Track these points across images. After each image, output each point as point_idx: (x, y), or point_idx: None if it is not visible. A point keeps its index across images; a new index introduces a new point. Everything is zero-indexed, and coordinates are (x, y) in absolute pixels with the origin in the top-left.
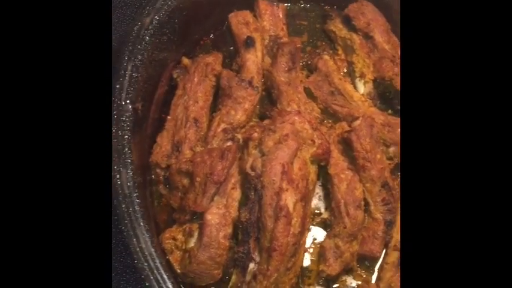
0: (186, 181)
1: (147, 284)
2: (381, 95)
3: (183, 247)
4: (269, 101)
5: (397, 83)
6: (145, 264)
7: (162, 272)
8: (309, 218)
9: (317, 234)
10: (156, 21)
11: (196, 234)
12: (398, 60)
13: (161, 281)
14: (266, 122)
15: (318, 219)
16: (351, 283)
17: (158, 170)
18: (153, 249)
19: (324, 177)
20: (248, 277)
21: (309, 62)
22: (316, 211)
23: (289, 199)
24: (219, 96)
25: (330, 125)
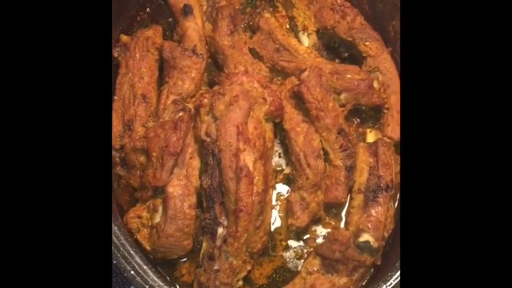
0: (142, 158)
1: (114, 261)
2: (327, 45)
3: (150, 224)
4: (216, 67)
5: (340, 31)
6: None
7: (129, 248)
8: (271, 176)
9: (282, 190)
10: None
11: (160, 208)
12: (338, 7)
13: (129, 257)
14: (216, 87)
15: (280, 176)
16: (321, 232)
17: (113, 152)
18: (116, 227)
19: (282, 134)
20: (219, 242)
21: (251, 23)
22: (278, 168)
23: (248, 158)
24: (164, 69)
25: (280, 82)
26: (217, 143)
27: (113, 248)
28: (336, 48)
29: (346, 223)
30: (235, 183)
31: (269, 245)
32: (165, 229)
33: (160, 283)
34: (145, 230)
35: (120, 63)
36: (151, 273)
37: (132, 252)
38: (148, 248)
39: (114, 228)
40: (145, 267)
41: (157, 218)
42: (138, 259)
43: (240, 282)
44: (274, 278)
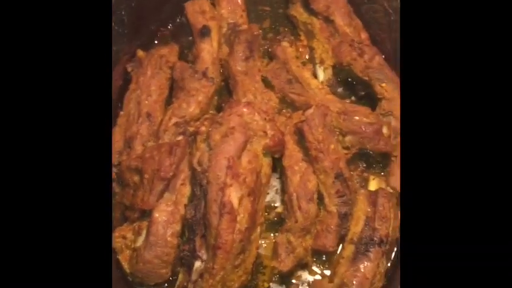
0: (136, 178)
1: None
2: (344, 81)
3: (132, 246)
4: (228, 92)
5: (356, 68)
6: None
7: None
8: (261, 213)
9: (272, 229)
10: None
11: (144, 232)
12: (357, 45)
13: None
14: (220, 114)
15: (273, 213)
16: (306, 278)
17: None
18: None
19: (281, 169)
20: (194, 276)
21: (270, 50)
22: (272, 204)
23: (234, 194)
24: (173, 89)
25: (289, 114)
26: (207, 174)
27: None
28: (354, 85)
29: (332, 273)
30: (218, 218)
31: (251, 284)
32: (143, 254)
33: None
34: (128, 251)
35: (132, 79)
36: None
37: None
38: (127, 270)
39: None
40: None
41: (140, 242)
42: None
43: None
44: None
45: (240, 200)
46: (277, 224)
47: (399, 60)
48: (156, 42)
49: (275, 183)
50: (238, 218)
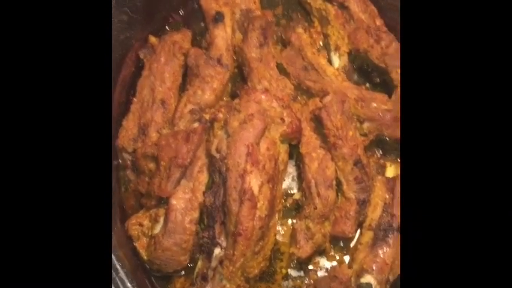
0: (152, 165)
1: None
2: (359, 68)
3: (150, 233)
4: (242, 78)
5: (372, 55)
6: None
7: (115, 262)
8: (279, 200)
9: (290, 215)
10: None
11: (162, 219)
12: (374, 31)
13: (113, 272)
14: (235, 101)
15: (290, 201)
16: (324, 264)
17: (125, 155)
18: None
19: (298, 156)
20: (214, 263)
21: (283, 36)
22: (289, 191)
23: (254, 181)
24: (187, 76)
25: (304, 101)
26: (226, 161)
27: None
28: (369, 72)
29: (351, 259)
30: (238, 205)
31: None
32: (162, 241)
33: None
34: (145, 238)
35: (145, 65)
36: None
37: (118, 266)
38: (145, 257)
39: (126, 282)
40: (128, 284)
41: (157, 229)
42: (122, 275)
43: None
44: None
45: (260, 186)
46: (294, 210)
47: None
48: (167, 28)
49: (291, 170)
50: (259, 205)
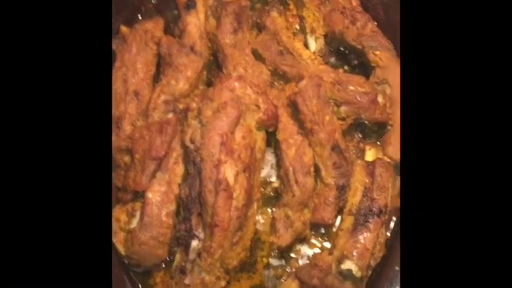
0: (127, 159)
1: None
2: (336, 50)
3: (127, 228)
4: (217, 66)
5: (348, 36)
6: None
7: None
8: (257, 189)
9: (270, 204)
10: None
11: (138, 213)
12: (349, 12)
13: None
14: (209, 90)
15: (269, 189)
16: (306, 252)
17: None
18: None
19: (276, 144)
20: (192, 255)
21: (258, 21)
22: (268, 179)
23: (229, 171)
24: (161, 65)
25: (281, 87)
26: (200, 151)
27: None
28: (346, 54)
29: (332, 246)
30: (214, 196)
31: (250, 261)
32: (139, 236)
33: None
34: (122, 233)
35: (116, 56)
36: None
37: None
38: (122, 252)
39: None
40: None
41: (134, 223)
42: None
43: None
44: None
45: (236, 176)
46: (273, 199)
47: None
48: (139, 17)
49: (270, 157)
50: (235, 195)
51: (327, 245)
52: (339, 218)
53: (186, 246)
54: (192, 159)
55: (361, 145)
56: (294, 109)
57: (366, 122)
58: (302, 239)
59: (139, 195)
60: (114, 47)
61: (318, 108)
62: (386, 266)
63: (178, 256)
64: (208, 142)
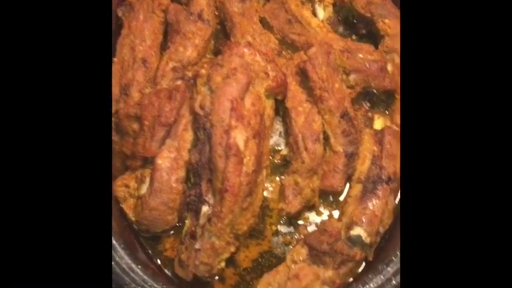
0: (136, 126)
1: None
2: (344, 20)
3: (136, 194)
4: (224, 34)
5: (357, 4)
6: None
7: (129, 261)
8: (266, 156)
9: (278, 172)
10: None
11: (147, 180)
12: None
13: (129, 271)
14: (218, 57)
15: (278, 156)
16: (314, 219)
17: None
18: (114, 241)
19: (285, 112)
20: (202, 220)
21: None
22: (276, 147)
23: (239, 137)
24: (168, 33)
25: (289, 56)
26: (210, 117)
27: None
28: (355, 23)
29: (341, 213)
30: (224, 161)
31: (258, 228)
32: (148, 201)
33: None
34: (131, 200)
35: (123, 24)
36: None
37: (133, 265)
38: (132, 218)
39: (114, 243)
40: (115, 244)
41: (144, 189)
42: (138, 273)
43: (222, 264)
44: (260, 262)
45: (246, 142)
46: (282, 167)
47: None
48: None
49: (278, 126)
50: (245, 161)
51: (336, 214)
52: (347, 186)
53: (196, 212)
54: (201, 125)
55: (370, 114)
56: (303, 77)
57: (375, 91)
58: (311, 207)
59: (148, 161)
60: (120, 14)
61: (327, 76)
62: (394, 233)
63: (188, 222)
64: (218, 108)
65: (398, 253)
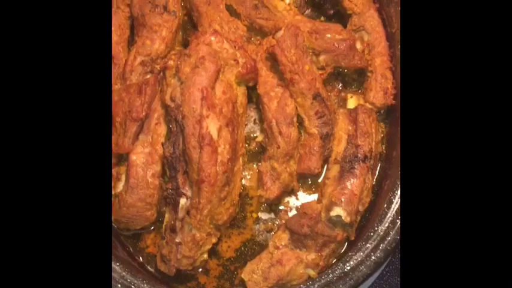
0: None
1: None
2: (312, 1)
3: (113, 192)
4: (192, 25)
5: None
6: None
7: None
8: (242, 144)
9: (255, 159)
10: None
11: (123, 177)
12: None
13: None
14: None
15: (253, 144)
16: (294, 204)
17: None
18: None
19: (258, 99)
20: (181, 213)
21: None
22: (252, 135)
23: (212, 126)
24: (134, 27)
25: (258, 42)
26: (181, 108)
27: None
28: (321, 4)
29: (320, 195)
30: (198, 151)
31: (239, 217)
32: (126, 199)
33: None
34: None
35: None
36: None
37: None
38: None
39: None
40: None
41: (120, 187)
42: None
43: (205, 255)
44: (243, 252)
45: (219, 131)
46: (258, 154)
47: None
48: None
49: (253, 113)
50: (219, 150)
51: (315, 196)
52: (325, 168)
53: (175, 205)
54: (173, 118)
55: (343, 94)
56: (273, 61)
57: (346, 71)
58: (290, 191)
59: (123, 158)
60: None
61: (296, 58)
62: (373, 211)
63: (167, 216)
64: (188, 98)
65: (377, 228)
